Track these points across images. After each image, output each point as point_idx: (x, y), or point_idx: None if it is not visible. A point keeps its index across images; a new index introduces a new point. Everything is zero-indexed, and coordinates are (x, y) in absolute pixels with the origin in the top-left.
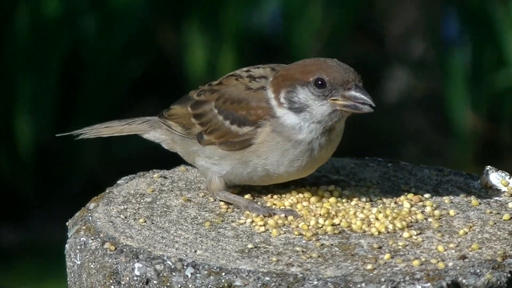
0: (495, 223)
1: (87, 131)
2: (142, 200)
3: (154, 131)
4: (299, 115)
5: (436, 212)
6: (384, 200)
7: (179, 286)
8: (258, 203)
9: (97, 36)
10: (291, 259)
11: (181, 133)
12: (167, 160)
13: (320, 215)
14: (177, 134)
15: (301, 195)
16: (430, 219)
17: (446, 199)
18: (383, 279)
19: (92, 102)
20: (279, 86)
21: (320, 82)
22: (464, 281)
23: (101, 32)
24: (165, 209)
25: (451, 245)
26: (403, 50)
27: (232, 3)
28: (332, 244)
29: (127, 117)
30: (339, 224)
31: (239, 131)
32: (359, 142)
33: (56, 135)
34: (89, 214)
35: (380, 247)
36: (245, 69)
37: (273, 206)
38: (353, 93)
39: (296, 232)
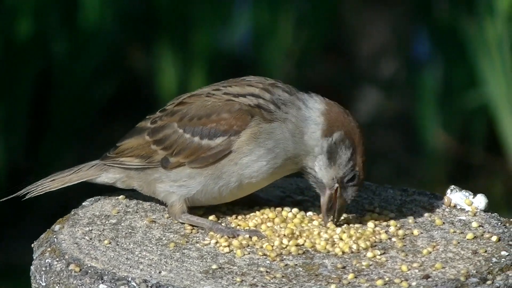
0: (458, 243)
1: (33, 188)
2: (107, 222)
3: (107, 172)
4: (318, 157)
5: (400, 232)
6: (348, 220)
7: None
8: (223, 224)
9: (68, 57)
10: (255, 280)
11: (139, 165)
12: None
13: (284, 235)
14: (133, 169)
15: (265, 216)
16: (394, 239)
17: (410, 218)
18: None
19: (63, 123)
20: (332, 126)
21: (353, 176)
22: None
23: (71, 54)
24: (130, 230)
25: (415, 265)
26: (374, 69)
27: (202, 23)
28: (296, 264)
29: (100, 138)
30: (303, 245)
31: (211, 144)
32: None
33: (1, 200)
34: (54, 236)
35: (344, 267)
36: (214, 87)
37: (238, 227)
38: (347, 200)
39: (260, 253)
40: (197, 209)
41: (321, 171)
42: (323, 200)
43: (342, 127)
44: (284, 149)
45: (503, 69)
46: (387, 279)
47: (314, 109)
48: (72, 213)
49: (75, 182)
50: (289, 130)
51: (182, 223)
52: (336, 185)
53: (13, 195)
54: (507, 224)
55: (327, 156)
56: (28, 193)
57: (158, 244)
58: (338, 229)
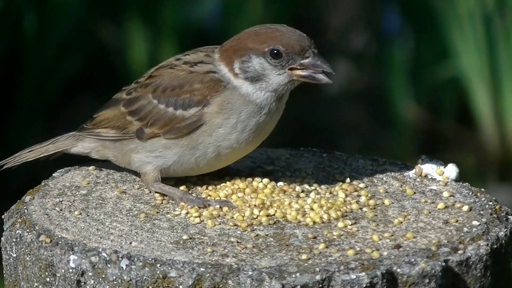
0: (429, 212)
1: (10, 160)
2: (77, 193)
3: (83, 142)
4: (255, 84)
5: (371, 202)
6: (319, 190)
7: (114, 277)
8: (193, 195)
9: (37, 33)
10: (226, 250)
11: (114, 136)
12: None
13: (255, 205)
14: (109, 139)
15: (236, 186)
16: (365, 209)
17: (380, 188)
18: (317, 269)
19: (33, 98)
20: (230, 57)
21: (276, 52)
22: (398, 270)
23: (41, 29)
24: (100, 201)
25: (386, 235)
26: (344, 42)
27: None
28: (267, 235)
29: (68, 113)
30: (274, 215)
31: (185, 114)
32: (298, 135)
33: None
34: (25, 207)
35: (315, 237)
36: (172, 58)
37: (208, 197)
38: (311, 60)
39: (231, 223)
40: (168, 179)
41: (271, 85)
42: (304, 79)
43: (234, 54)
44: (247, 104)
45: (475, 41)
46: (358, 249)
47: (215, 59)
48: (43, 184)
49: (52, 152)
50: (236, 95)
51: (155, 193)
52: (285, 72)
53: None
54: (478, 194)
55: (251, 81)
56: (6, 164)
57: (128, 214)
58: (309, 199)
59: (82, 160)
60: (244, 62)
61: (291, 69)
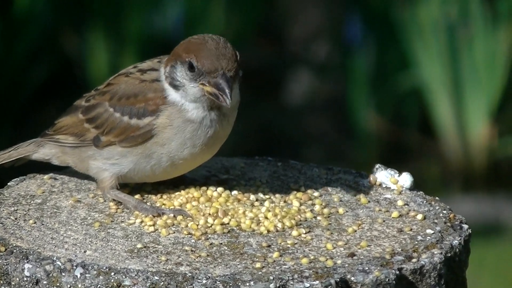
0: (384, 221)
1: None
2: (32, 202)
3: (44, 148)
4: (178, 92)
5: (325, 211)
6: (274, 199)
7: (69, 286)
8: (148, 203)
9: (1, 42)
10: (180, 259)
11: (73, 143)
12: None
13: (210, 214)
14: (68, 145)
15: (190, 195)
16: (319, 218)
17: (335, 197)
18: (271, 277)
19: None
20: (168, 61)
21: (190, 65)
22: (352, 278)
23: (5, 38)
24: (55, 210)
25: (340, 243)
26: (307, 52)
27: (134, 7)
28: (221, 243)
29: (33, 122)
30: (228, 223)
31: (139, 124)
32: (261, 145)
33: None
34: None
35: (269, 246)
36: (131, 66)
37: (163, 206)
38: (216, 80)
39: (185, 232)
40: (123, 188)
41: (189, 96)
42: (211, 96)
43: (169, 59)
44: (188, 121)
45: (438, 51)
46: (312, 257)
47: (161, 68)
48: None
49: (14, 158)
50: (176, 108)
51: (110, 201)
52: (198, 86)
53: None
54: (433, 202)
55: (174, 87)
56: None
57: (83, 223)
58: (263, 208)
59: (37, 169)
60: (172, 67)
61: (202, 84)
